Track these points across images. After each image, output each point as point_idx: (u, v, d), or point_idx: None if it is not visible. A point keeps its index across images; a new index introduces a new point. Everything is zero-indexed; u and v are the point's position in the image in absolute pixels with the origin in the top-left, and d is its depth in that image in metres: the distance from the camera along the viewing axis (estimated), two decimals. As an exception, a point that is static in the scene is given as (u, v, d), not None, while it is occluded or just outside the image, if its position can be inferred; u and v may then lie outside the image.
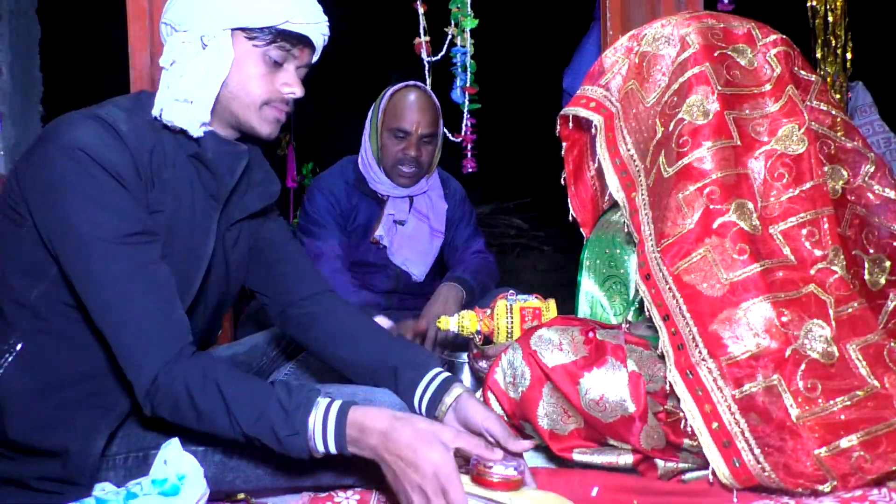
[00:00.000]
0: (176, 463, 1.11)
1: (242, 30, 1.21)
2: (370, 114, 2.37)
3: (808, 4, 2.95)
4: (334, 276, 2.20)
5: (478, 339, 1.66)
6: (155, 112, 1.22)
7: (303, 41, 1.26)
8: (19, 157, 1.22)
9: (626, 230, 1.47)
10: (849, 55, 2.95)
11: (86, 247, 1.11)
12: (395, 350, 1.39)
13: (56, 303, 1.18)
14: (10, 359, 1.17)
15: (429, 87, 2.40)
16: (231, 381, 1.10)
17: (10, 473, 1.19)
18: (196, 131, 1.23)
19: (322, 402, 1.08)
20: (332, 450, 1.07)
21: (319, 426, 1.07)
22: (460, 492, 1.01)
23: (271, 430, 1.06)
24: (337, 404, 1.08)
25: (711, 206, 1.29)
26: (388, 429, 1.05)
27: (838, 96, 2.97)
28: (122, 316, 1.11)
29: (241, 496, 1.26)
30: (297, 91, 1.26)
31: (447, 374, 1.33)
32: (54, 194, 1.12)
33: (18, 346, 1.17)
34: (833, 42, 2.92)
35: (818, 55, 2.94)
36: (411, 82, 2.35)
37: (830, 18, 2.90)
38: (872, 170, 1.42)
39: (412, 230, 2.37)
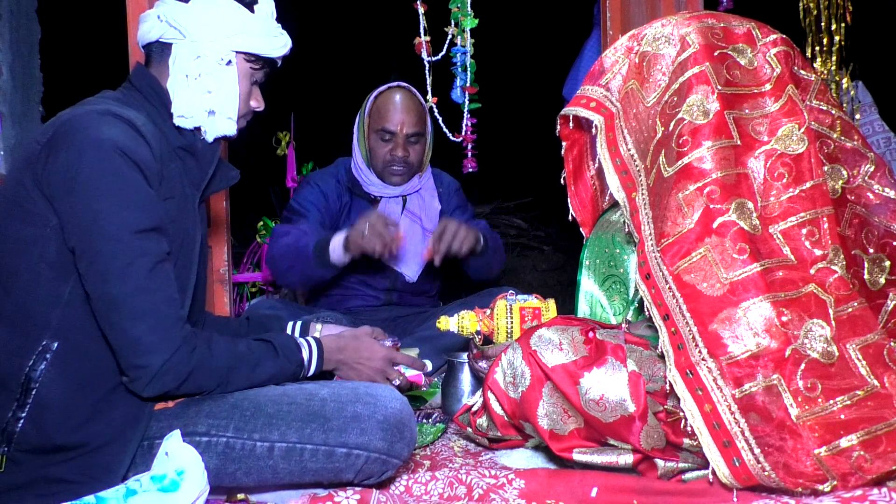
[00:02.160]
0: (177, 455, 1.11)
1: (246, 53, 1.37)
2: (357, 118, 2.38)
3: (801, 5, 2.94)
4: (299, 238, 2.14)
5: (478, 339, 1.66)
6: (181, 122, 1.34)
7: (273, 65, 1.44)
8: (28, 158, 1.22)
9: (626, 230, 1.47)
10: (840, 53, 2.94)
11: (113, 241, 1.17)
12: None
13: (86, 297, 1.21)
14: (49, 357, 1.19)
15: (414, 87, 2.40)
16: (237, 344, 1.33)
17: (50, 473, 1.19)
18: (210, 137, 1.39)
19: (303, 343, 1.44)
20: (311, 373, 1.44)
21: (307, 356, 1.43)
22: (400, 355, 1.61)
23: (281, 372, 1.37)
24: (314, 344, 1.45)
25: (711, 206, 1.29)
26: (343, 346, 1.52)
27: (835, 94, 2.97)
28: (142, 306, 1.18)
29: (241, 496, 1.26)
30: (263, 106, 1.45)
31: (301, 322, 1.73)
32: (86, 191, 1.17)
33: (55, 346, 1.19)
34: (826, 40, 2.91)
35: (808, 54, 2.93)
36: (395, 83, 2.36)
37: (823, 18, 2.90)
38: (872, 169, 1.42)
39: (404, 231, 2.36)
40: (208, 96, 1.35)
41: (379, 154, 2.29)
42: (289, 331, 1.70)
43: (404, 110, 2.28)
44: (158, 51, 1.36)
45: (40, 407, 1.18)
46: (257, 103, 1.43)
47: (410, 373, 1.64)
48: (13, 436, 1.17)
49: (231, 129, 1.39)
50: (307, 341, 1.44)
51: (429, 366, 1.71)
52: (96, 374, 1.22)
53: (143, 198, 1.21)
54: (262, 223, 3.21)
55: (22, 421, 1.17)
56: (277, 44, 1.40)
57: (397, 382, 1.57)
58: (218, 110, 1.36)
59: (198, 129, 1.37)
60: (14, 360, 1.18)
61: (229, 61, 1.35)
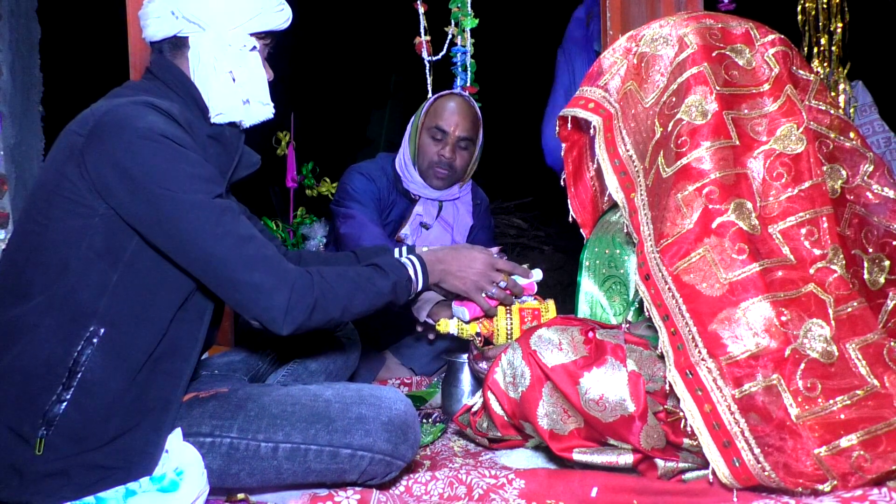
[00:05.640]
0: (176, 454, 1.11)
1: (258, 33, 1.37)
2: (414, 116, 2.40)
3: (800, 6, 2.94)
4: (364, 227, 2.19)
5: (478, 341, 1.66)
6: (220, 119, 1.35)
7: (277, 36, 1.43)
8: (69, 149, 1.22)
9: (625, 230, 1.47)
10: (840, 52, 2.94)
11: (196, 209, 1.20)
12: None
13: (133, 283, 1.22)
14: (95, 342, 1.19)
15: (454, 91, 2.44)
16: (347, 271, 1.39)
17: (87, 460, 1.19)
18: (248, 124, 1.40)
19: (406, 261, 1.51)
20: (420, 287, 1.52)
21: (412, 271, 1.50)
22: (502, 262, 1.64)
23: (395, 288, 1.44)
24: (416, 260, 1.53)
25: (710, 206, 1.29)
26: (443, 257, 1.59)
27: (833, 94, 2.97)
28: (249, 254, 1.22)
29: (241, 496, 1.26)
30: (273, 75, 1.44)
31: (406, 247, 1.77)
32: (150, 180, 1.18)
33: (102, 332, 1.20)
34: (824, 41, 2.91)
35: (806, 54, 2.93)
36: (457, 91, 2.41)
37: (822, 17, 2.90)
38: (871, 169, 1.42)
39: (434, 237, 2.38)
40: (240, 86, 1.35)
41: (427, 152, 2.32)
42: (396, 255, 1.72)
43: (460, 113, 2.31)
44: (173, 46, 1.35)
45: (83, 391, 1.18)
46: (269, 75, 1.44)
47: (523, 281, 1.66)
48: (55, 419, 1.17)
49: (269, 113, 1.40)
50: (409, 259, 1.51)
51: (537, 275, 1.68)
52: (138, 358, 1.22)
53: (203, 169, 1.24)
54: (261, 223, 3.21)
55: (65, 404, 1.17)
56: (284, 16, 1.40)
57: (501, 285, 1.62)
58: (252, 98, 1.37)
59: (232, 122, 1.37)
60: (63, 346, 1.19)
61: (253, 47, 1.36)
